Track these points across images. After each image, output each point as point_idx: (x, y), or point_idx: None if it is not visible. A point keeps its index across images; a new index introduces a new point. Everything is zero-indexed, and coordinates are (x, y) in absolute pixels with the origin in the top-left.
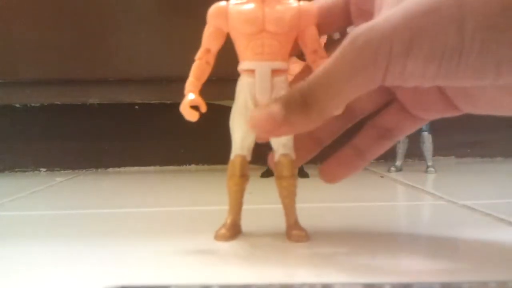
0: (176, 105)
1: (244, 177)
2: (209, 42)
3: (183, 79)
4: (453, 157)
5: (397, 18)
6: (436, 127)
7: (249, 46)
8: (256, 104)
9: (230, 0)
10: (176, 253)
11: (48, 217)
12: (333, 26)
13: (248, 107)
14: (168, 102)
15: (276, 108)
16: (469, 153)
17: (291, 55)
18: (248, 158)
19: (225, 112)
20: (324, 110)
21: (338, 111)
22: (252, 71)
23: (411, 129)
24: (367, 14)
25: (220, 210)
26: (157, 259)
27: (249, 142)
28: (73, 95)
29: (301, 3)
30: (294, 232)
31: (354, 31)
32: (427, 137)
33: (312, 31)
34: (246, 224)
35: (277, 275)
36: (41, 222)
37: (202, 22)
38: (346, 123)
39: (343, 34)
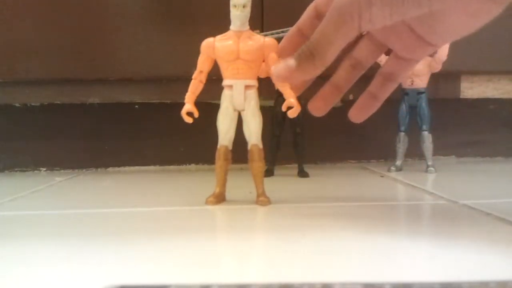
0: (176, 104)
1: (226, 161)
2: (202, 65)
3: (183, 78)
4: (453, 156)
5: None
6: (436, 127)
7: (229, 68)
8: (234, 109)
9: (216, 37)
10: (176, 253)
11: (48, 217)
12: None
13: (229, 111)
14: (168, 101)
15: (290, 61)
16: (470, 153)
17: (259, 75)
18: (230, 147)
19: None
20: (324, 57)
21: (332, 58)
22: (231, 86)
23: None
24: None
25: (221, 209)
26: (157, 259)
27: (230, 135)
28: (73, 95)
29: (266, 38)
30: (260, 199)
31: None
32: (427, 137)
33: (273, 56)
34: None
35: (277, 274)
36: (41, 222)
37: (201, 24)
38: (358, 73)
39: None
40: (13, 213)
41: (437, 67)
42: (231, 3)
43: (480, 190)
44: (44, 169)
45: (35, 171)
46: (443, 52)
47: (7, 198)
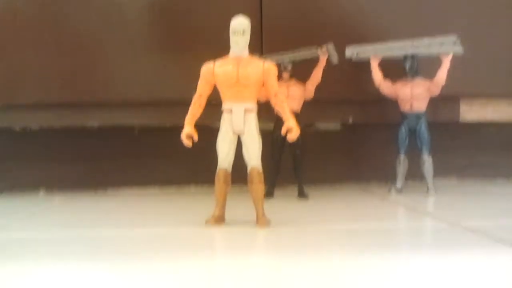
0: (175, 128)
1: (226, 183)
2: (201, 89)
3: (182, 102)
4: (453, 178)
5: None
6: (436, 150)
7: (228, 92)
8: (234, 133)
9: (216, 61)
10: (175, 275)
11: (45, 238)
12: None
13: (228, 134)
14: (168, 125)
15: None
16: (470, 175)
17: (258, 98)
18: (229, 170)
19: None
20: None
21: None
22: (230, 110)
23: None
24: None
25: (220, 231)
26: (156, 281)
27: (230, 158)
28: (72, 118)
29: (265, 63)
30: (260, 221)
31: None
32: (427, 159)
33: (272, 81)
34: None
35: None
36: (38, 243)
37: (201, 48)
38: None
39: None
40: (12, 234)
41: (436, 91)
42: (231, 29)
43: (480, 212)
44: (43, 191)
45: (34, 193)
46: (441, 75)
47: (6, 219)
